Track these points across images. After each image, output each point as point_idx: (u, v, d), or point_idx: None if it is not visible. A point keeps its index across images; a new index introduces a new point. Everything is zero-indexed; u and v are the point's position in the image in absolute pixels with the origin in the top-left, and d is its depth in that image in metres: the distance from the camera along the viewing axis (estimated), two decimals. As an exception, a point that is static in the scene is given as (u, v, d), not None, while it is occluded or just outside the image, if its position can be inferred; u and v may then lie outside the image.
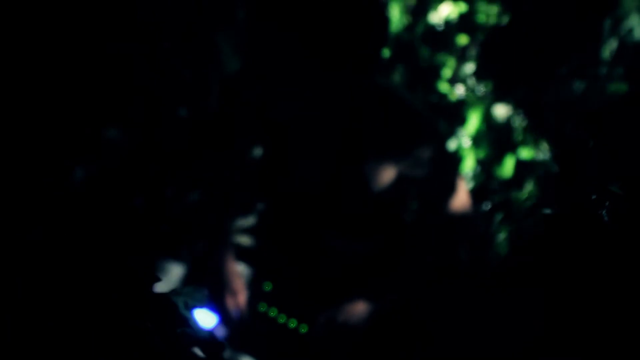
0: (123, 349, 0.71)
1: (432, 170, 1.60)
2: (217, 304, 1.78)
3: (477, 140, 2.04)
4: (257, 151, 1.71)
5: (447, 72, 2.13)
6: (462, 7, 2.04)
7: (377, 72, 1.62)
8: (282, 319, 1.77)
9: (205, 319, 0.82)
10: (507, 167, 1.97)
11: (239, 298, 1.79)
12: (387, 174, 1.58)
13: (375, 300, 1.65)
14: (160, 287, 0.80)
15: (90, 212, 0.82)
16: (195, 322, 0.77)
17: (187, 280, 1.73)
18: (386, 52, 2.18)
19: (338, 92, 1.56)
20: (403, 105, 1.62)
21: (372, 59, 1.56)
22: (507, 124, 1.94)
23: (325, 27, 1.47)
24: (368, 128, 1.57)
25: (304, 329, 1.73)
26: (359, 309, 1.64)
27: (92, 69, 2.84)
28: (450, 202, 1.65)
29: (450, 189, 1.65)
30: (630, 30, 1.79)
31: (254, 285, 1.84)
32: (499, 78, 1.86)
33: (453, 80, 2.12)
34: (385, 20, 1.54)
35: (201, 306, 0.80)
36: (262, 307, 1.82)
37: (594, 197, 1.19)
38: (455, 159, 2.02)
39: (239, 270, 1.83)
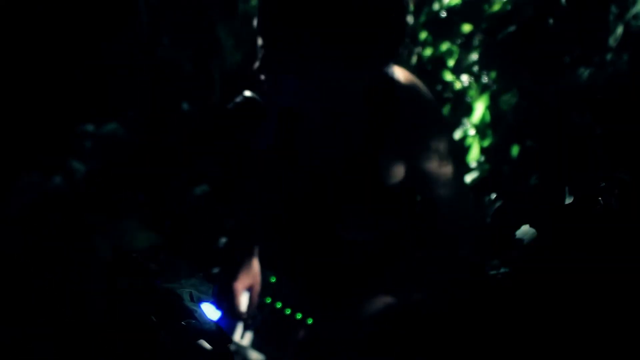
0: (128, 342, 0.70)
1: (446, 164, 1.58)
2: (224, 297, 1.78)
3: (482, 129, 2.03)
4: (261, 145, 1.70)
5: (451, 61, 2.12)
6: (466, -5, 2.02)
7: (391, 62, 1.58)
8: (287, 311, 1.77)
9: (210, 311, 0.82)
10: (513, 156, 1.96)
11: (247, 285, 1.79)
12: (403, 166, 1.56)
13: (381, 295, 1.64)
14: (165, 280, 0.79)
15: (93, 207, 0.81)
16: (201, 315, 0.76)
17: (192, 273, 1.72)
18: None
19: (359, 83, 1.52)
20: (423, 98, 1.59)
21: (393, 50, 1.50)
22: (512, 113, 1.93)
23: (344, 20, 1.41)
24: (387, 119, 1.55)
25: (310, 321, 1.73)
26: (366, 304, 1.63)
27: (94, 66, 2.83)
28: (457, 196, 1.64)
29: (458, 182, 1.64)
30: (636, 17, 1.78)
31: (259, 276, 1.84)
32: (503, 66, 1.85)
33: (457, 69, 2.11)
34: (404, 9, 1.48)
35: (207, 299, 0.79)
36: (268, 300, 1.81)
37: (602, 184, 1.18)
38: (461, 151, 2.01)
39: (248, 260, 1.82)
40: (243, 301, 1.78)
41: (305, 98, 1.51)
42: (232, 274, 1.79)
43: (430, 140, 1.56)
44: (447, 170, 1.58)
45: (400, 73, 1.59)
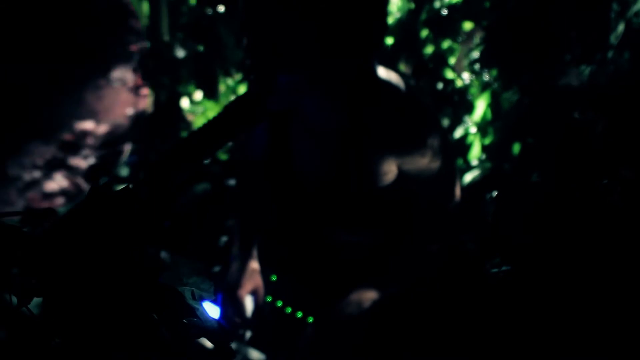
0: (129, 340, 0.70)
1: (432, 163, 1.58)
2: (226, 296, 1.78)
3: (483, 127, 2.02)
4: (261, 143, 1.70)
5: (452, 59, 2.11)
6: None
7: (378, 61, 1.60)
8: (288, 310, 1.77)
9: (212, 309, 0.81)
10: (514, 154, 1.96)
11: (250, 289, 1.79)
12: (389, 167, 1.56)
13: (378, 293, 1.64)
14: (166, 279, 0.79)
15: (96, 203, 0.81)
16: (203, 313, 0.75)
17: (194, 272, 1.72)
18: (389, 40, 2.16)
19: (339, 83, 1.54)
20: (404, 96, 1.60)
21: (373, 47, 1.53)
22: (513, 110, 1.92)
23: (323, 14, 1.45)
24: (369, 120, 1.55)
25: (310, 320, 1.73)
26: (363, 301, 1.63)
27: (94, 64, 2.83)
28: (451, 193, 1.64)
29: (450, 180, 1.64)
30: (637, 14, 1.78)
31: (260, 277, 1.84)
32: (505, 64, 1.84)
33: (458, 67, 2.11)
34: (384, 5, 1.51)
35: (209, 297, 0.79)
36: (269, 298, 1.81)
37: (605, 181, 1.18)
38: (453, 149, 2.00)
39: (249, 262, 1.82)
40: (248, 307, 1.78)
41: (297, 95, 1.53)
42: (234, 281, 1.79)
43: (416, 140, 1.56)
44: (431, 169, 1.58)
45: (385, 73, 1.60)
